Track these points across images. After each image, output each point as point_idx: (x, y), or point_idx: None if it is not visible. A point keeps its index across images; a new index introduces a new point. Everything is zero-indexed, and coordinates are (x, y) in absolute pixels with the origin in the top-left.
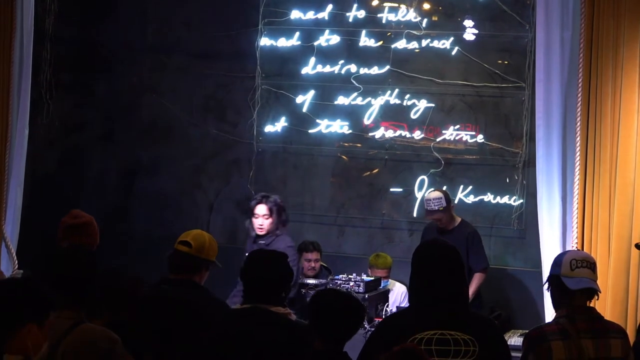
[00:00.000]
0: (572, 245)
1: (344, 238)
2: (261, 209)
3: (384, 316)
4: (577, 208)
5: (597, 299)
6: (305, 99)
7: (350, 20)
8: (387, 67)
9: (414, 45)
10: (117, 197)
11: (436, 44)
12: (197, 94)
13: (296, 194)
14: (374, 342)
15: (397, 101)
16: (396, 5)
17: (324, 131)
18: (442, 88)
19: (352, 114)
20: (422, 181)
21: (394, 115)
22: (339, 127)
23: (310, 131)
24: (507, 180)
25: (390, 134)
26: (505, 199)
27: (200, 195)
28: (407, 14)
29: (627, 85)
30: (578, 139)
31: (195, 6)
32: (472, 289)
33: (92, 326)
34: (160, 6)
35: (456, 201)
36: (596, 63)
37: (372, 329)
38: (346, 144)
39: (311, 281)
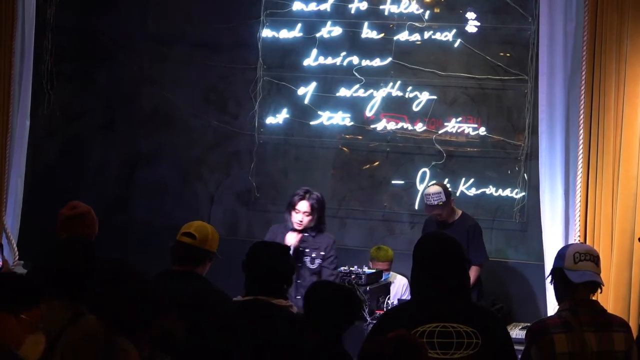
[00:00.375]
0: (575, 238)
1: (345, 230)
2: (303, 206)
3: (385, 309)
4: (579, 201)
5: (600, 293)
6: (306, 91)
7: (353, 11)
8: (389, 59)
9: (416, 37)
10: (118, 188)
11: (438, 36)
12: (198, 85)
13: (297, 186)
14: (376, 335)
15: (399, 93)
16: None
17: (326, 123)
18: (444, 80)
19: (354, 106)
20: (424, 174)
21: (395, 107)
22: (340, 119)
23: (311, 123)
24: (509, 173)
25: (392, 126)
26: (507, 192)
27: (200, 186)
28: (409, 6)
29: (631, 78)
30: (581, 132)
31: None
32: None
33: (92, 318)
34: None
35: (458, 194)
36: (600, 56)
37: (374, 322)
38: (348, 136)
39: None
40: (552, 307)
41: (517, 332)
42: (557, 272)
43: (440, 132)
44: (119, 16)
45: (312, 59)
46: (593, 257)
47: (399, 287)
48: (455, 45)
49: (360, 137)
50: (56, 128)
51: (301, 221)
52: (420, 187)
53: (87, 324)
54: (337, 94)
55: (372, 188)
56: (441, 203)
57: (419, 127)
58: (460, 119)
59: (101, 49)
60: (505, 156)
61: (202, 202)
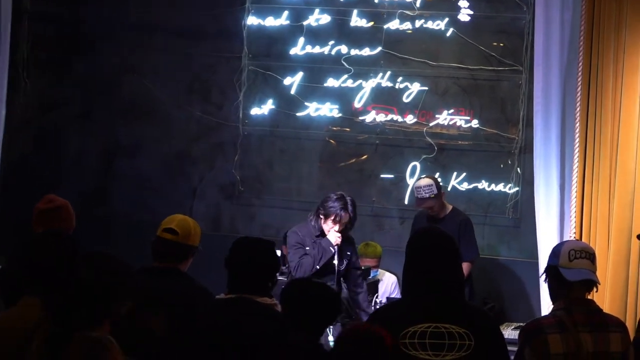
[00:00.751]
0: (570, 235)
1: None
2: (345, 218)
3: (373, 307)
4: (575, 196)
5: (596, 291)
6: (293, 81)
7: None
8: (379, 48)
9: (407, 25)
10: (96, 180)
11: (430, 24)
12: (180, 74)
13: (282, 179)
14: None
15: (389, 84)
16: None
17: (313, 114)
18: (435, 71)
19: (342, 97)
20: (414, 167)
21: (385, 98)
22: (328, 110)
23: (298, 114)
24: (502, 167)
25: (381, 118)
26: (500, 187)
27: (182, 179)
28: None
29: (629, 69)
30: (577, 124)
31: None
32: None
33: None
34: None
35: (449, 188)
36: (597, 46)
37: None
38: (335, 128)
39: None
40: (546, 306)
41: (509, 333)
42: (552, 270)
43: (431, 124)
44: (99, 3)
45: (299, 48)
46: (589, 255)
47: (388, 285)
48: (448, 34)
49: (348, 129)
50: (32, 117)
51: (339, 231)
52: (410, 182)
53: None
54: (325, 85)
55: (360, 182)
56: (433, 195)
57: (409, 119)
58: (452, 110)
59: (80, 37)
60: (499, 149)
61: (184, 196)
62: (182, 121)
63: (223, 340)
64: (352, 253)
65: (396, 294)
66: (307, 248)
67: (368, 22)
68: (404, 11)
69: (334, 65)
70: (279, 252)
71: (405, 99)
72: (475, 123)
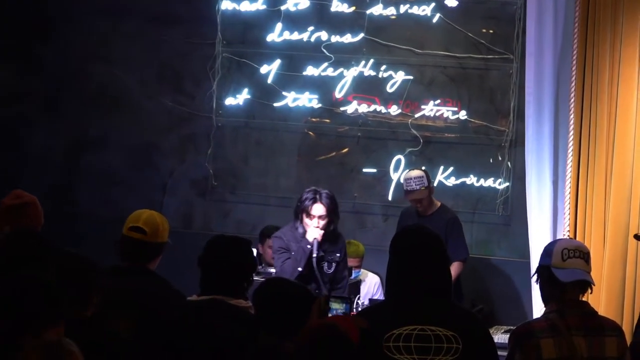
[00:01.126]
0: (564, 233)
1: None
2: (318, 209)
3: (355, 309)
4: (569, 193)
5: (591, 293)
6: (270, 69)
7: None
8: (362, 35)
9: (391, 11)
10: (62, 174)
11: (415, 10)
12: (150, 62)
13: (259, 173)
14: None
15: (372, 73)
16: None
17: (291, 105)
18: (421, 59)
19: (322, 86)
20: (399, 161)
21: (368, 88)
22: (307, 100)
23: (275, 104)
24: (492, 162)
25: (363, 108)
26: (489, 182)
27: (152, 173)
28: None
29: (626, 58)
30: (571, 116)
31: None
32: None
33: None
34: None
35: (435, 183)
36: (593, 34)
37: None
38: (314, 119)
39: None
40: (538, 308)
41: (499, 336)
42: (544, 271)
43: (416, 115)
44: None
45: (276, 34)
46: (583, 254)
47: (371, 286)
48: (434, 20)
49: (328, 121)
50: None
51: (317, 226)
52: (394, 176)
53: None
54: (304, 73)
55: (341, 177)
56: (424, 187)
57: (393, 110)
58: (438, 101)
59: (44, 24)
60: (488, 143)
61: (153, 191)
62: (151, 112)
63: (195, 345)
64: (343, 253)
65: (379, 296)
66: (293, 253)
67: (350, 7)
68: None
69: (313, 52)
70: (255, 251)
71: (389, 88)
72: (463, 114)
